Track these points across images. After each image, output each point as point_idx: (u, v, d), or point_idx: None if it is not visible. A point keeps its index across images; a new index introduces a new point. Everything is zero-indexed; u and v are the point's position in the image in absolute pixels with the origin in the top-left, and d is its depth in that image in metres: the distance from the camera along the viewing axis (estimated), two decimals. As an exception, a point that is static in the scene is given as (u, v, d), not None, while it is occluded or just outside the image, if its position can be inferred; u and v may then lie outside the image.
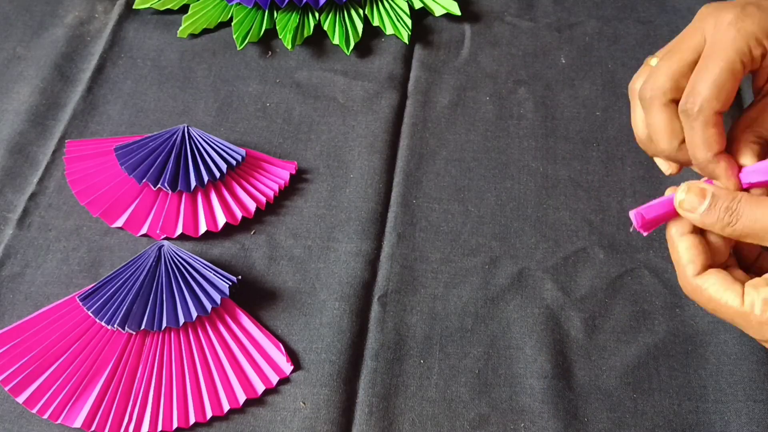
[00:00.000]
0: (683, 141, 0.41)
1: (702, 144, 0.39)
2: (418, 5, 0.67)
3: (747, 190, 0.39)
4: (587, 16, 0.68)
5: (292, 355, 0.49)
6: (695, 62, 0.40)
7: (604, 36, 0.66)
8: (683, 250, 0.40)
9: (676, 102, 0.40)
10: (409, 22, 0.66)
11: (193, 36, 0.66)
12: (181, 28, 0.66)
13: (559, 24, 0.67)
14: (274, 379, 0.48)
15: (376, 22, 0.66)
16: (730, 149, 0.40)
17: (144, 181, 0.54)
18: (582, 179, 0.58)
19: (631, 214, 0.40)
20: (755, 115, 0.41)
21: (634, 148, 0.59)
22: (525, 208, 0.56)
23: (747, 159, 0.39)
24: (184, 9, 0.68)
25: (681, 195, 0.39)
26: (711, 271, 0.39)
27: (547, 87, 0.63)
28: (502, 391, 0.48)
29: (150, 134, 0.56)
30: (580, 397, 0.48)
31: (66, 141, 0.58)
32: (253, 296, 0.52)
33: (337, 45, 0.65)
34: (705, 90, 0.39)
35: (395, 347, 0.50)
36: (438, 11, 0.67)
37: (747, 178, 0.39)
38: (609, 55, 0.65)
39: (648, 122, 0.42)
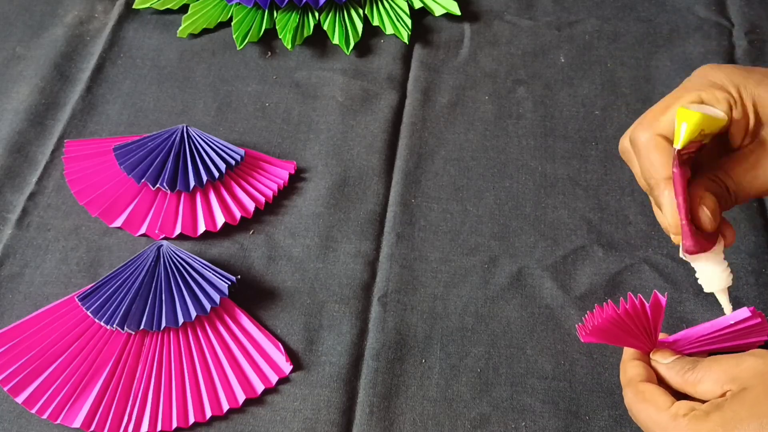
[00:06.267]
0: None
1: (648, 167, 0.40)
2: (418, 5, 0.67)
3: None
4: (587, 15, 0.68)
5: (292, 355, 0.49)
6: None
7: (603, 35, 0.66)
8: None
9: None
10: (408, 21, 0.66)
11: (192, 36, 0.66)
12: (180, 28, 0.66)
13: (559, 23, 0.67)
14: (274, 378, 0.48)
15: (375, 22, 0.66)
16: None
17: (143, 180, 0.54)
18: (581, 178, 0.58)
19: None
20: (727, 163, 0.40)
21: (633, 147, 0.59)
22: (524, 207, 0.56)
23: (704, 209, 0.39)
24: (183, 9, 0.68)
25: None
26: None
27: (547, 86, 0.63)
28: (503, 390, 0.48)
29: (149, 134, 0.56)
30: (581, 395, 0.48)
31: (65, 141, 0.58)
32: (252, 296, 0.52)
33: (337, 45, 0.65)
34: (650, 116, 0.40)
35: (396, 347, 0.50)
36: (438, 11, 0.67)
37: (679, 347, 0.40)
38: (608, 53, 0.65)
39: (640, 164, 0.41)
